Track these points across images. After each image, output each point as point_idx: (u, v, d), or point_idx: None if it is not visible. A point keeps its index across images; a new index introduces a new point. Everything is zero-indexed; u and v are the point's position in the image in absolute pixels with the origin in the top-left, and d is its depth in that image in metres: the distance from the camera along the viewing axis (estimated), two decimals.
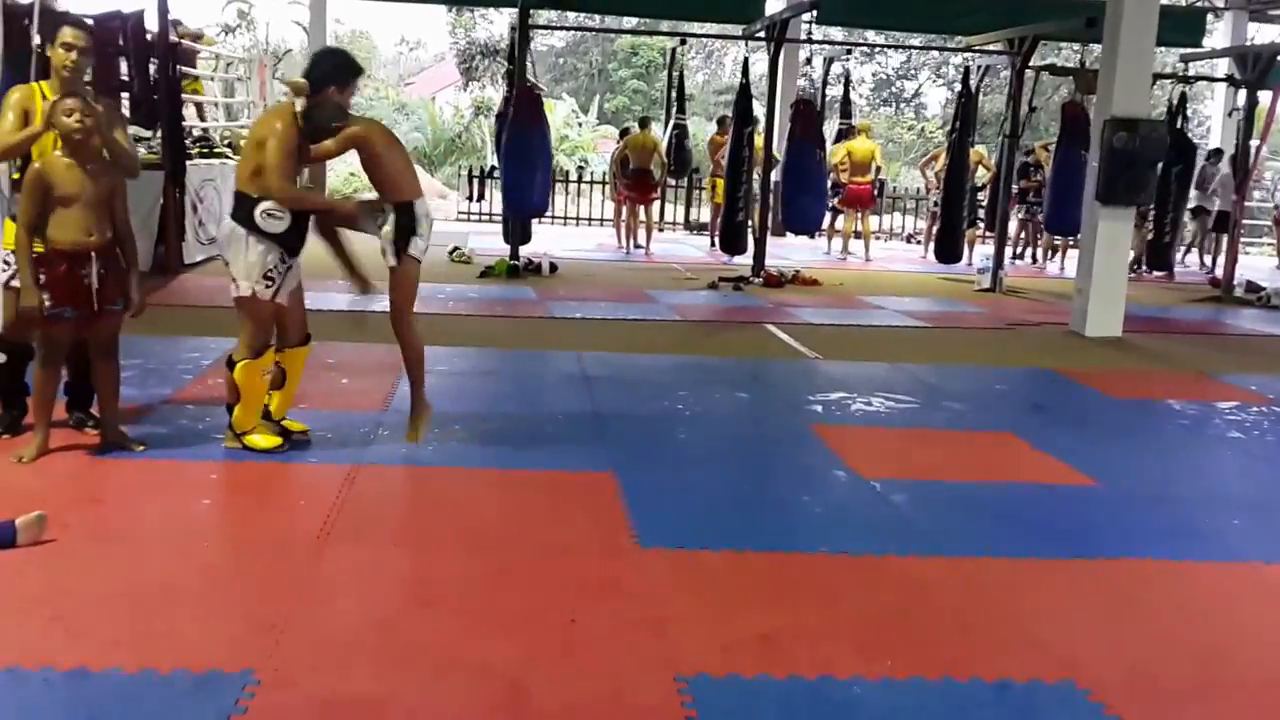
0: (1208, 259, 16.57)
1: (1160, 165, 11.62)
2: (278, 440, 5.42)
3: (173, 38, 11.43)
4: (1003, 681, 3.44)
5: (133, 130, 11.85)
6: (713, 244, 15.95)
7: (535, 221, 14.00)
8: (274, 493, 4.94)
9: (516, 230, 13.01)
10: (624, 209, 15.76)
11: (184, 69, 13.26)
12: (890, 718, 3.23)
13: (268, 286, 5.24)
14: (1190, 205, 15.22)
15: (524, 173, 12.10)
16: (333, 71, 5.25)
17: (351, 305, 5.83)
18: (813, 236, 16.55)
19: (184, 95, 13.83)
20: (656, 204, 16.68)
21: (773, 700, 3.28)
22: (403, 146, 5.54)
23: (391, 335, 8.10)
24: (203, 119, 14.16)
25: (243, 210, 5.18)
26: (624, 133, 16.48)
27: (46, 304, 4.96)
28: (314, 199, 5.10)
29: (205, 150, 12.95)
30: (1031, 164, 15.47)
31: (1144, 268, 15.03)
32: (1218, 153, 16.12)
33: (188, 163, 11.61)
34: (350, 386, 6.85)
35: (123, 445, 5.28)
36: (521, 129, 12.04)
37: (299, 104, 5.16)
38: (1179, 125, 14.13)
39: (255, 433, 5.40)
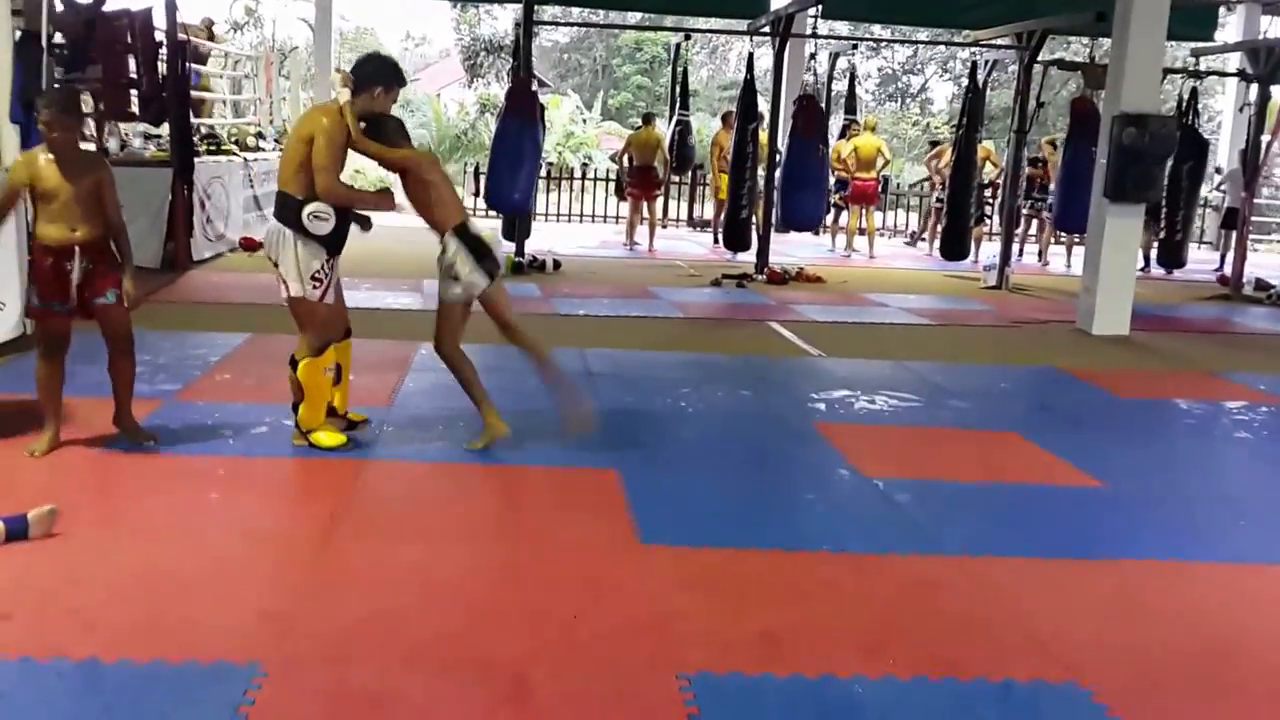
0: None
1: (1171, 161, 11.59)
2: (342, 438, 5.48)
3: (182, 36, 11.44)
4: (1006, 682, 3.46)
5: (142, 127, 11.95)
6: (716, 240, 15.95)
7: (541, 218, 13.97)
8: (281, 488, 4.97)
9: (516, 227, 13.01)
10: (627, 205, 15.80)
11: (199, 68, 13.35)
12: (893, 717, 3.24)
13: (315, 287, 5.29)
14: None
15: (507, 169, 12.00)
16: (378, 73, 5.33)
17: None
18: (818, 234, 16.55)
19: (203, 93, 13.96)
20: (659, 200, 16.67)
21: (775, 699, 3.30)
22: (447, 176, 5.61)
23: (392, 332, 8.12)
24: (210, 116, 14.20)
25: (288, 211, 5.19)
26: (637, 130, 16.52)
27: (35, 300, 5.05)
28: (362, 195, 5.21)
29: (213, 148, 12.99)
30: (1041, 159, 15.46)
31: (1150, 265, 15.00)
32: None
33: (196, 160, 11.64)
34: (356, 382, 6.83)
35: (136, 438, 5.32)
36: (510, 124, 11.97)
37: (344, 97, 5.21)
38: (1190, 121, 14.10)
39: (321, 430, 5.45)
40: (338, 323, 5.56)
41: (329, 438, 5.45)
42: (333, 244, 5.30)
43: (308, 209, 5.12)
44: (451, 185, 5.62)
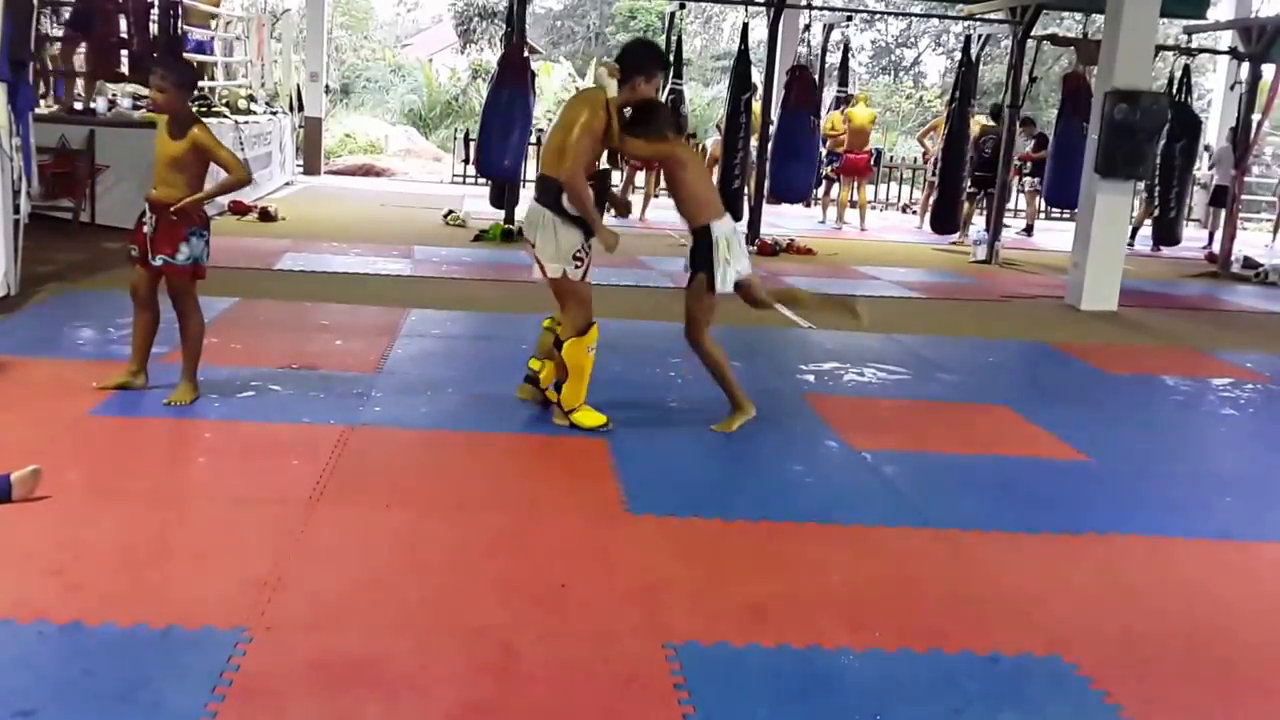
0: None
1: (1162, 138, 11.58)
2: (603, 419, 5.49)
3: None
4: (991, 655, 3.46)
5: (131, 88, 11.85)
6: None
7: (531, 185, 13.90)
8: (268, 453, 4.95)
9: (506, 194, 12.94)
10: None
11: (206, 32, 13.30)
12: (878, 689, 3.24)
13: (577, 266, 5.40)
14: None
15: (498, 135, 11.93)
16: (639, 65, 5.40)
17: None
18: (809, 205, 16.53)
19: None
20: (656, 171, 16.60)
21: (760, 669, 3.30)
22: (704, 168, 5.65)
23: (382, 298, 8.13)
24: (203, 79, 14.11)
25: (549, 194, 5.29)
26: None
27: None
28: (588, 206, 5.29)
29: (204, 109, 12.88)
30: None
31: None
32: None
33: None
34: (344, 348, 6.84)
35: (176, 393, 5.41)
36: (502, 91, 11.89)
37: (611, 89, 5.31)
38: (1183, 99, 14.08)
39: (581, 410, 5.48)
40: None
41: (590, 418, 5.47)
42: (589, 226, 5.34)
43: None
44: (707, 178, 5.68)
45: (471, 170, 18.91)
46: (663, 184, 18.88)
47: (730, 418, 5.62)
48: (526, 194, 14.99)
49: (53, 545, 3.80)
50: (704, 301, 5.56)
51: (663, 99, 17.58)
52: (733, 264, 5.47)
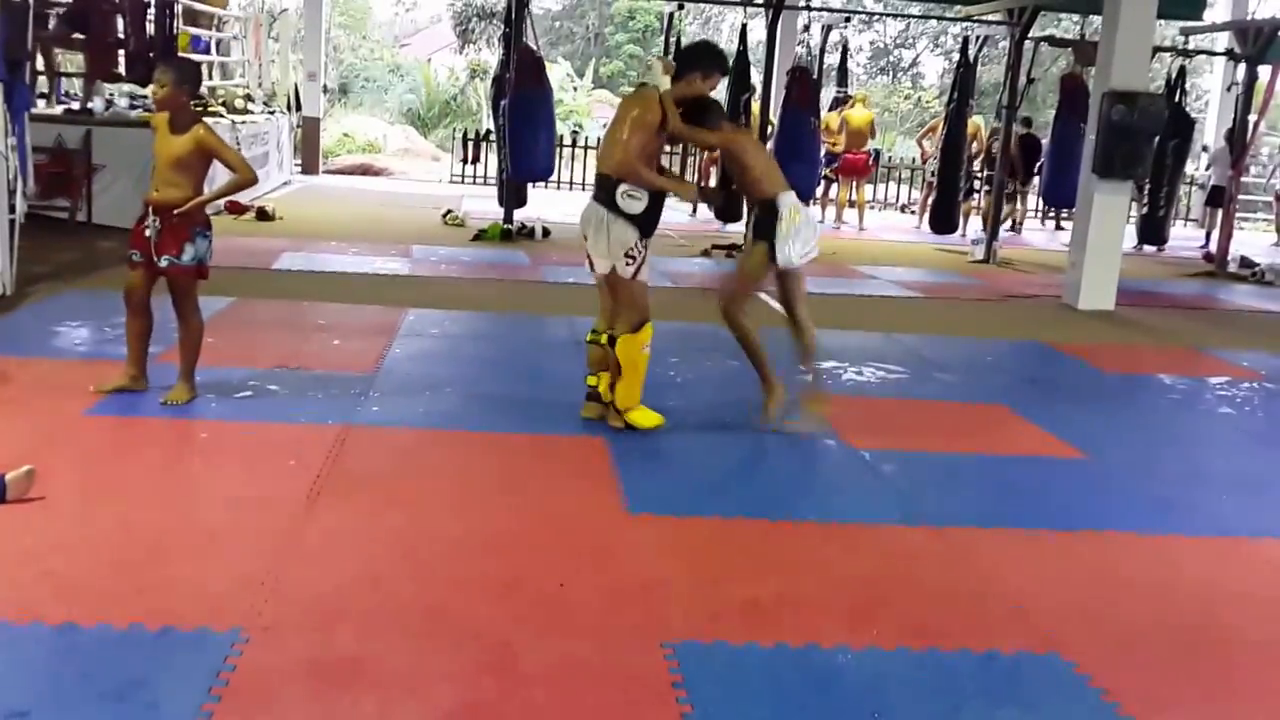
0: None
1: (1157, 139, 11.59)
2: (659, 419, 5.49)
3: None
4: (989, 653, 3.46)
5: (128, 88, 11.85)
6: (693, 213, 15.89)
7: (529, 185, 13.89)
8: (264, 453, 4.94)
9: (511, 194, 12.94)
10: None
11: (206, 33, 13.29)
12: (876, 687, 3.24)
13: (628, 264, 5.36)
14: None
15: (529, 136, 11.98)
16: (697, 62, 5.48)
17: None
18: (808, 205, 16.51)
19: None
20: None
21: (759, 668, 3.29)
22: (765, 149, 5.71)
23: (380, 298, 8.10)
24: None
25: (604, 191, 5.33)
26: None
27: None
28: (655, 177, 5.38)
29: (200, 109, 12.86)
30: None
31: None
32: None
33: None
34: (342, 347, 6.83)
35: (178, 397, 5.40)
36: (525, 92, 11.91)
37: (664, 84, 5.39)
38: (1177, 99, 14.08)
39: (638, 410, 5.47)
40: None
41: (646, 418, 5.46)
42: (644, 224, 5.36)
43: (621, 188, 5.27)
44: (769, 155, 5.78)
45: (470, 170, 18.93)
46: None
47: (766, 405, 5.62)
48: (538, 194, 14.94)
49: (48, 546, 3.79)
50: (753, 268, 5.53)
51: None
52: (797, 242, 5.48)
